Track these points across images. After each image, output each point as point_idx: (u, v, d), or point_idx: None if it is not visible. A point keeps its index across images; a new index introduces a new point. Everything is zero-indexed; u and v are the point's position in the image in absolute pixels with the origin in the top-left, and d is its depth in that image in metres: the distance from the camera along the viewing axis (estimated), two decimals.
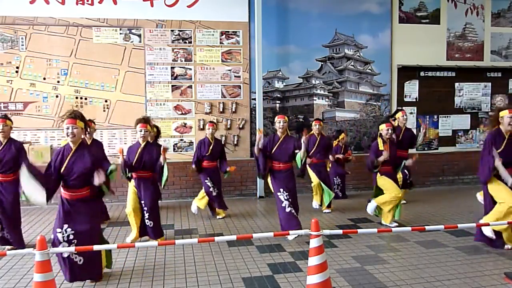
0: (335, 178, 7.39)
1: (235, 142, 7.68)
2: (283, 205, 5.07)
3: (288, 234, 3.42)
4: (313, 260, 3.15)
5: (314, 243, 3.16)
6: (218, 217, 6.21)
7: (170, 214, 6.48)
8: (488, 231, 4.57)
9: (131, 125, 7.23)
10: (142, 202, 4.97)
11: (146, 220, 4.97)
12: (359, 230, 3.78)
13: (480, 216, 6.23)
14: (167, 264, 4.31)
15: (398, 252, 4.57)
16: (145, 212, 4.97)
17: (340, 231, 3.62)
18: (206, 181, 6.12)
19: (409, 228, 3.92)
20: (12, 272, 4.14)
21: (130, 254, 4.61)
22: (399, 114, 6.62)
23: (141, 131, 4.92)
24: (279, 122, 5.20)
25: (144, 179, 4.97)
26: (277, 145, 5.21)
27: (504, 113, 4.45)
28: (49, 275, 2.87)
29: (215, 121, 7.11)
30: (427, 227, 3.77)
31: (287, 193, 5.09)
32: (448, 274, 3.95)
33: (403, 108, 7.90)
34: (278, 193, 5.12)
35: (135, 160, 4.91)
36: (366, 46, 8.19)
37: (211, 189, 6.10)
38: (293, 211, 5.06)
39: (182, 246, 4.79)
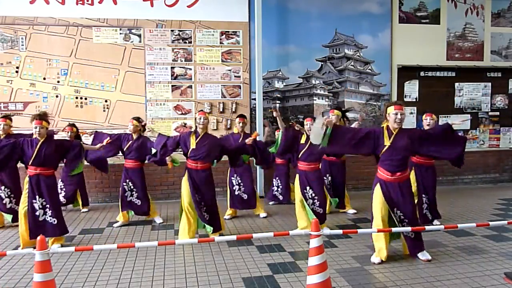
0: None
1: None
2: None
3: (288, 234, 3.42)
4: (313, 260, 3.15)
5: (314, 243, 3.16)
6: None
7: (170, 214, 6.48)
8: (375, 259, 4.27)
9: None
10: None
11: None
12: (359, 230, 3.78)
13: (480, 215, 6.25)
14: (167, 264, 4.31)
15: (399, 252, 4.57)
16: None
17: (340, 231, 3.62)
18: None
19: (409, 228, 3.93)
20: (12, 272, 4.14)
21: (130, 254, 4.60)
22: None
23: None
24: (200, 119, 4.98)
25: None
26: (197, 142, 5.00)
27: (391, 110, 4.13)
28: (49, 275, 2.87)
29: (244, 114, 6.59)
30: (427, 227, 3.78)
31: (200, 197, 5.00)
32: (448, 274, 3.95)
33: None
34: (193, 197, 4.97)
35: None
36: (366, 46, 8.19)
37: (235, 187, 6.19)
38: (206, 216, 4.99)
39: (182, 246, 4.79)
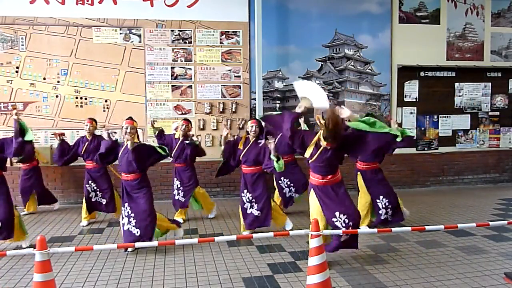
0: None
1: None
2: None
3: (288, 234, 3.42)
4: (313, 260, 3.16)
5: (314, 243, 3.17)
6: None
7: (170, 214, 6.47)
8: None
9: None
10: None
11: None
12: (359, 230, 3.78)
13: (480, 215, 6.25)
14: (167, 264, 4.31)
15: (398, 252, 4.57)
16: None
17: (340, 231, 3.62)
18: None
19: (409, 228, 3.92)
20: (12, 272, 4.14)
21: (130, 254, 4.61)
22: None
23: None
24: (252, 127, 5.20)
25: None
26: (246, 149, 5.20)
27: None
28: (49, 275, 2.87)
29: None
30: (427, 227, 3.77)
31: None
32: (448, 274, 3.95)
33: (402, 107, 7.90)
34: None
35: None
36: (366, 46, 8.19)
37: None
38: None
39: (182, 246, 4.80)
